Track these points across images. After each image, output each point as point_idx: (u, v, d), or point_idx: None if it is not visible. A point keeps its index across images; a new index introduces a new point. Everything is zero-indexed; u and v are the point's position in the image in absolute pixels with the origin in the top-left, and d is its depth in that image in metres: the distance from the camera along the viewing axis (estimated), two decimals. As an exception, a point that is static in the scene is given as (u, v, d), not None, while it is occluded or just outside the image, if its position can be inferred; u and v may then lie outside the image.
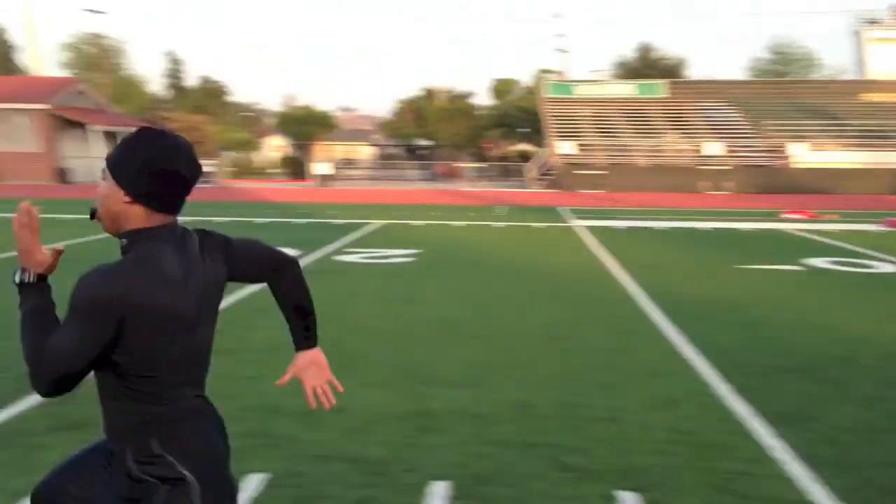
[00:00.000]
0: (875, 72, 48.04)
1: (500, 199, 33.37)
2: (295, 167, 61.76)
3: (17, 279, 2.01)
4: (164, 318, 1.94)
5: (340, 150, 75.78)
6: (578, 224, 20.18)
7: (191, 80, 76.97)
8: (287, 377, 2.51)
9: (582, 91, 49.55)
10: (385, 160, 69.81)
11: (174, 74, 76.71)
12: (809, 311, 8.67)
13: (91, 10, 69.16)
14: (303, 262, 11.83)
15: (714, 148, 42.24)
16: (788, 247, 15.19)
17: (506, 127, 68.10)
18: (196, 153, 2.04)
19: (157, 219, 2.00)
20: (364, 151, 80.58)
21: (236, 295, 8.97)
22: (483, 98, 77.99)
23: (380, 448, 4.45)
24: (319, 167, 45.97)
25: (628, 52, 78.90)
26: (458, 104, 71.05)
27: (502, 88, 72.07)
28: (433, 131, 69.87)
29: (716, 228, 19.30)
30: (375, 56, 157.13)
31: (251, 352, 6.54)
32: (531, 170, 46.24)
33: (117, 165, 1.97)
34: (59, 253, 2.07)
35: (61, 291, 2.06)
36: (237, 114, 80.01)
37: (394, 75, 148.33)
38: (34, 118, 36.77)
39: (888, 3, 51.29)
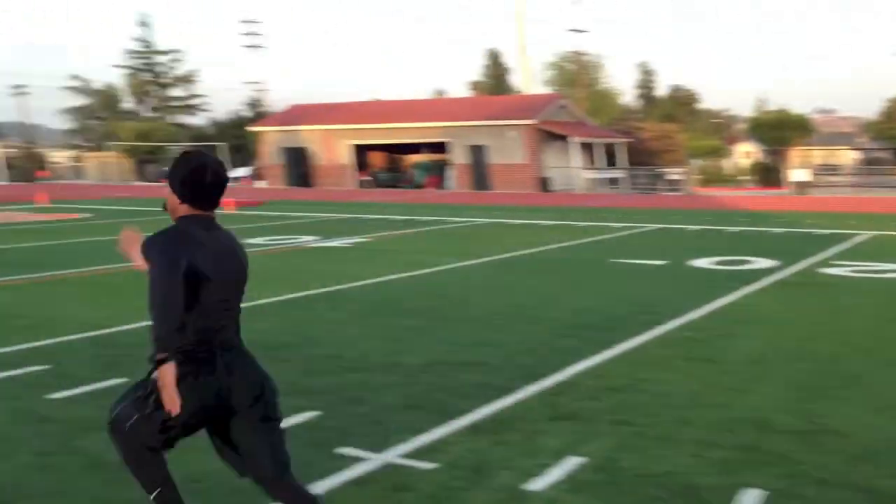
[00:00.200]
0: None
1: None
2: (766, 174, 58.93)
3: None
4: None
5: (819, 155, 70.53)
6: None
7: (661, 89, 78.09)
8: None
9: None
10: (871, 165, 63.23)
11: (645, 85, 78.48)
12: None
13: (575, 30, 73.69)
14: (783, 274, 11.23)
15: None
16: None
17: None
18: (219, 168, 3.06)
19: (196, 212, 3.06)
20: (846, 156, 73.94)
21: (712, 305, 8.84)
22: None
23: (891, 481, 4.02)
24: (796, 174, 43.30)
25: None
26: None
27: None
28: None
29: None
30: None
31: (733, 363, 6.39)
32: None
33: (170, 178, 3.06)
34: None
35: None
36: (707, 121, 79.04)
37: (880, 72, 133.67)
38: (523, 133, 40.52)
39: None
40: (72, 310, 8.86)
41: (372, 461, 4.31)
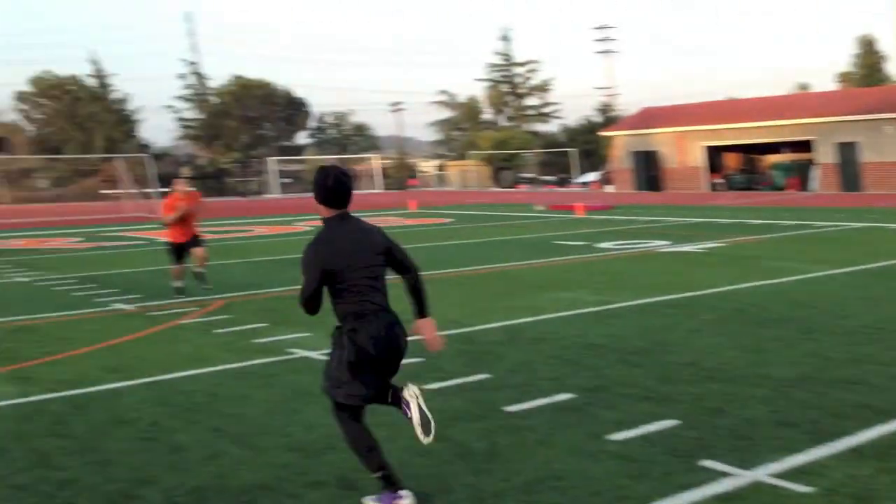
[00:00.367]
0: None
1: None
2: None
3: None
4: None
5: None
6: None
7: None
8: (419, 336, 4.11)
9: None
10: None
11: None
12: None
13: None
14: None
15: None
16: None
17: None
18: (340, 175, 3.88)
19: (332, 212, 3.88)
20: None
21: None
22: None
23: None
24: None
25: None
26: None
27: None
28: None
29: None
30: None
31: None
32: None
33: (313, 186, 3.89)
34: None
35: None
36: None
37: None
38: (902, 126, 36.19)
39: None
40: (440, 308, 9.53)
41: (740, 477, 4.07)
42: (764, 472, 4.11)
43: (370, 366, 3.80)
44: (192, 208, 11.21)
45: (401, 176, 69.28)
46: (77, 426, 5.37)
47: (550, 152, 64.33)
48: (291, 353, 7.34)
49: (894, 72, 62.23)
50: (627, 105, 79.50)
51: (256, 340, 7.91)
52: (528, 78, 75.48)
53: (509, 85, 75.86)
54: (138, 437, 5.10)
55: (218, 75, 74.17)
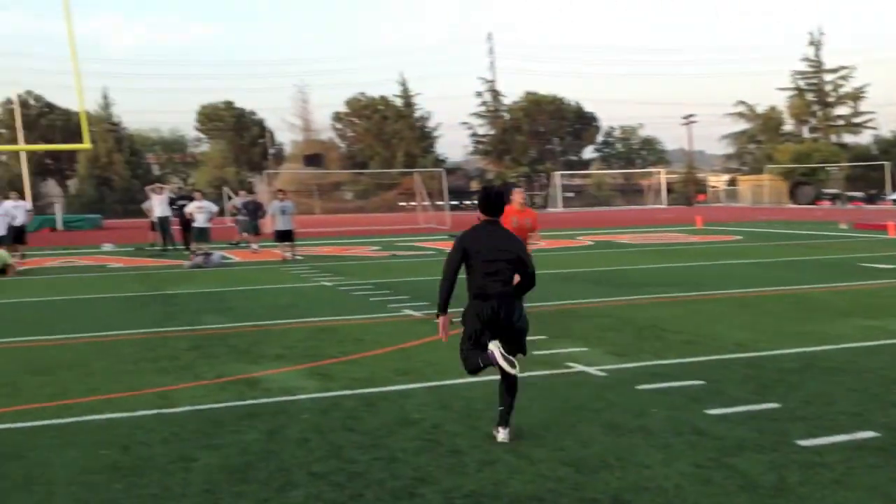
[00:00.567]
0: None
1: None
2: None
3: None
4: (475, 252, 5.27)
5: None
6: None
7: None
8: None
9: None
10: None
11: None
12: None
13: None
14: None
15: None
16: None
17: None
18: (498, 193, 5.45)
19: (486, 218, 5.37)
20: None
21: None
22: None
23: None
24: None
25: None
26: None
27: None
28: None
29: None
30: None
31: None
32: None
33: (478, 198, 5.52)
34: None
35: None
36: None
37: None
38: None
39: None
40: (724, 329, 9.08)
41: None
42: None
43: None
44: (523, 222, 10.41)
45: (687, 191, 67.01)
46: (368, 423, 5.76)
47: (859, 166, 58.94)
48: (569, 367, 7.35)
49: None
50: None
51: (535, 352, 8.01)
52: (840, 85, 69.72)
53: (816, 93, 70.55)
54: (421, 438, 5.36)
55: (512, 92, 76.33)
